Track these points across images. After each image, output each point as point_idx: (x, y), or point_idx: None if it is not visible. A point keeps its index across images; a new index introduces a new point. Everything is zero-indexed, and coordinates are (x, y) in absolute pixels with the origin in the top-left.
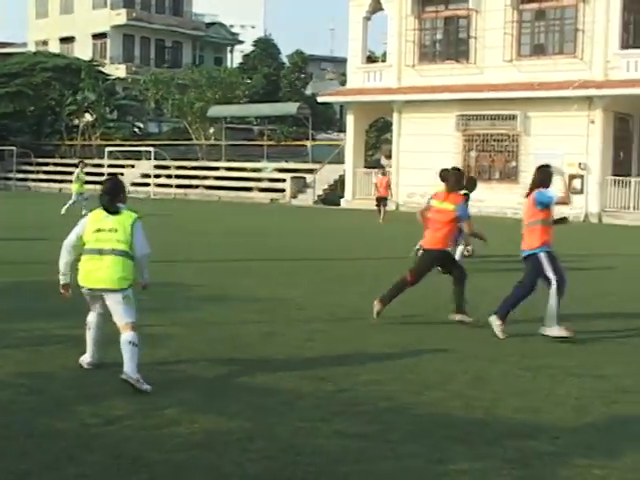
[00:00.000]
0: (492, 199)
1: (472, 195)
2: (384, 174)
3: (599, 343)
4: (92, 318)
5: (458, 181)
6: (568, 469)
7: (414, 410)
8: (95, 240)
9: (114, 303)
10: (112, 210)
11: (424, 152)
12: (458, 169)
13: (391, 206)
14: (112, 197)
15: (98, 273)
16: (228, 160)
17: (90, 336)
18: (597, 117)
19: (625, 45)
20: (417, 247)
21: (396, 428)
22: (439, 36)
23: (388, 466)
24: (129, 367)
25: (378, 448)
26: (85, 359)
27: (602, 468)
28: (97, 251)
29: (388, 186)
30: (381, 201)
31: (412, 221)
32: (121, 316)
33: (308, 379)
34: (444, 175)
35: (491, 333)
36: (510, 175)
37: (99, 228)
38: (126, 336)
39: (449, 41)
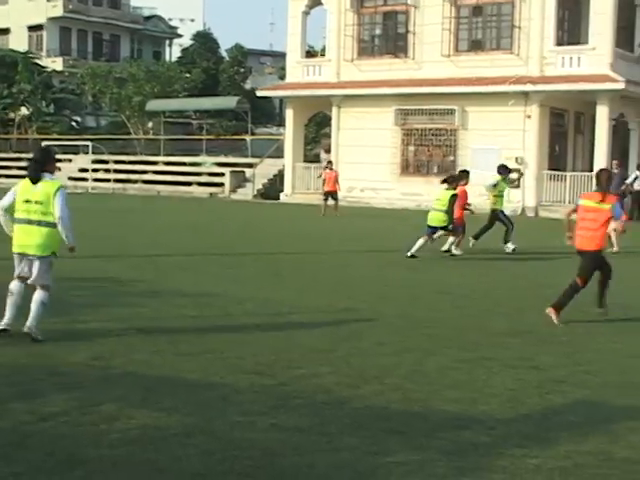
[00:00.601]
0: (430, 193)
1: (410, 190)
2: (332, 169)
3: (534, 335)
4: (15, 286)
5: (609, 180)
6: (503, 459)
7: (351, 403)
8: (24, 210)
9: (38, 266)
10: (35, 178)
11: (363, 146)
12: (605, 169)
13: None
14: (39, 165)
15: (28, 240)
16: (167, 154)
17: (11, 302)
18: (533, 112)
19: (560, 42)
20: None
21: (333, 421)
22: (378, 31)
23: (325, 459)
24: (33, 321)
25: (315, 441)
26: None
27: (536, 457)
28: (27, 221)
29: (336, 181)
30: (329, 195)
31: (354, 215)
32: (41, 277)
33: (246, 373)
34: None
35: (427, 325)
36: (448, 169)
37: (27, 199)
38: (39, 295)
39: (388, 36)
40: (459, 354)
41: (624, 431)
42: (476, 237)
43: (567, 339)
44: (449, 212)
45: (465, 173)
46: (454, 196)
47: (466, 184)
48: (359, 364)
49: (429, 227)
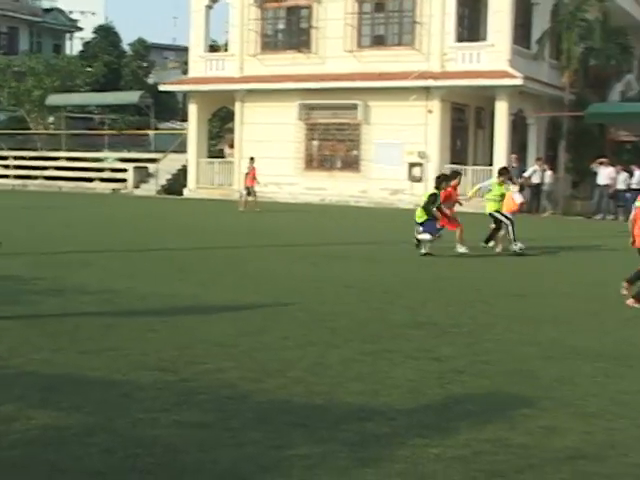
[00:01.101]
0: (334, 187)
1: (314, 184)
2: (252, 164)
3: (436, 327)
4: None
5: None
6: (405, 449)
7: (255, 397)
8: None
9: None
10: None
11: (267, 141)
12: None
13: (234, 195)
14: None
15: None
16: (68, 150)
17: None
18: (435, 107)
19: (461, 38)
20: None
21: (237, 416)
22: (281, 26)
23: (228, 454)
24: None
25: (218, 436)
26: None
27: (437, 446)
28: None
29: (254, 176)
30: (249, 190)
31: (268, 211)
32: None
33: (149, 370)
34: None
35: (331, 319)
36: (352, 164)
37: None
38: None
39: (291, 31)
40: (362, 347)
41: (520, 418)
42: (486, 241)
43: (467, 330)
44: (425, 209)
45: (455, 174)
46: (432, 195)
47: (456, 186)
48: (263, 358)
49: (416, 223)
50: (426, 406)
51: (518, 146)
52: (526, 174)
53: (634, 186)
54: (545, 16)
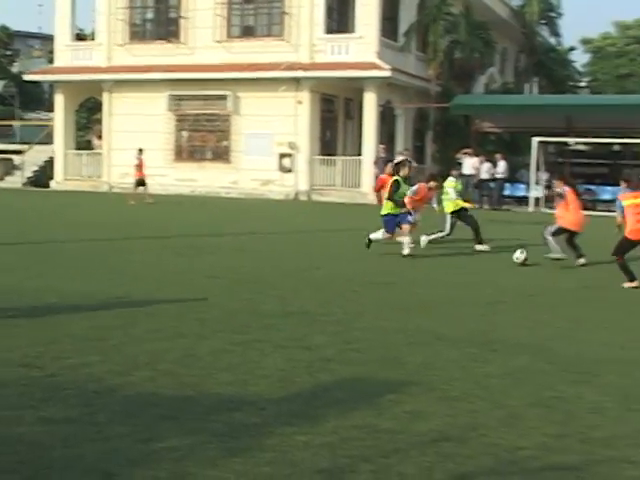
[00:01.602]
0: (204, 179)
1: (184, 176)
2: (141, 155)
3: (306, 316)
4: None
5: None
6: (274, 438)
7: (122, 391)
8: None
9: None
10: None
11: (136, 132)
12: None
13: (103, 187)
14: None
15: None
16: None
17: None
18: (304, 98)
19: (330, 30)
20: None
21: (104, 410)
22: (150, 15)
23: (95, 449)
24: None
25: (85, 431)
26: None
27: (306, 434)
28: None
29: (142, 167)
30: (139, 182)
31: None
32: None
33: (13, 366)
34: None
35: (201, 310)
36: (222, 155)
37: None
38: None
39: (160, 20)
40: (232, 337)
41: (388, 404)
42: (480, 242)
43: (337, 319)
44: (391, 200)
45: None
46: (393, 183)
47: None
48: (131, 351)
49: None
50: (295, 395)
51: (386, 137)
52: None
53: (498, 176)
54: (412, 10)
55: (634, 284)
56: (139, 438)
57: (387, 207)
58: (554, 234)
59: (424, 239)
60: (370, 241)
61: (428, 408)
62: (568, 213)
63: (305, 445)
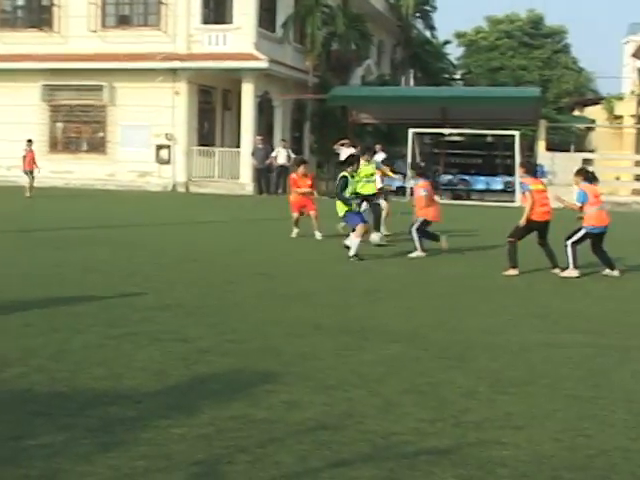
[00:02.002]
0: (80, 171)
1: (59, 168)
2: (30, 147)
3: (182, 308)
4: None
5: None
6: (149, 431)
7: None
8: None
9: None
10: None
11: (8, 124)
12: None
13: None
14: None
15: None
16: None
17: None
18: (182, 89)
19: (207, 20)
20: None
21: None
22: (21, 2)
23: None
24: None
25: None
26: None
27: (181, 427)
28: None
29: (32, 160)
30: (28, 173)
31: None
32: None
33: None
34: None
35: (74, 304)
36: (98, 146)
37: None
38: None
39: (31, 8)
40: (106, 331)
41: (264, 394)
42: (377, 228)
43: (213, 310)
44: (339, 198)
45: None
46: (341, 179)
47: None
48: (2, 347)
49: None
50: (172, 387)
51: (265, 128)
52: (272, 154)
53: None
54: (289, 1)
55: (514, 272)
56: (10, 435)
57: (341, 206)
58: (420, 228)
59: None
60: (353, 255)
61: (304, 397)
62: (428, 205)
63: (181, 437)
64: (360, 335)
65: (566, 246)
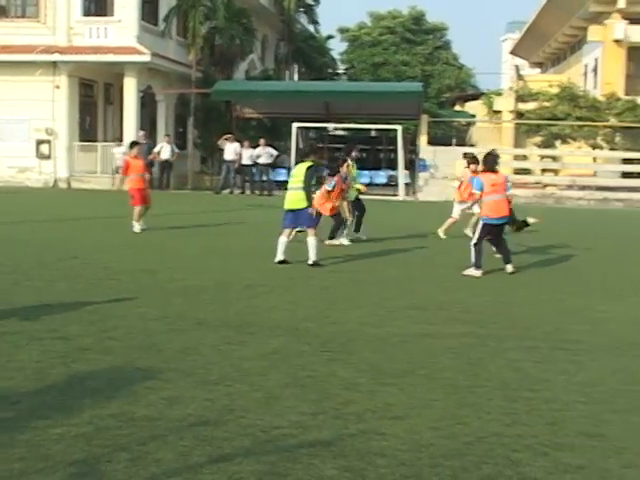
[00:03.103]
0: None
1: None
2: None
3: (63, 307)
4: None
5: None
6: (26, 432)
7: None
8: None
9: None
10: None
11: None
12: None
13: None
14: None
15: None
16: None
17: None
18: (62, 83)
19: (88, 12)
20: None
21: None
22: None
23: None
24: None
25: None
26: None
27: (60, 427)
28: None
29: None
30: None
31: None
32: None
33: None
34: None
35: None
36: None
37: None
38: None
39: None
40: None
41: (144, 391)
42: (357, 230)
43: (94, 308)
44: (304, 188)
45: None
46: (310, 167)
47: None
48: None
49: (290, 211)
50: (51, 387)
51: (148, 122)
52: (155, 150)
53: (261, 161)
54: None
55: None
56: None
57: (301, 200)
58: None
59: (343, 241)
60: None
61: (186, 393)
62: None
63: (60, 437)
64: (243, 330)
65: (470, 246)
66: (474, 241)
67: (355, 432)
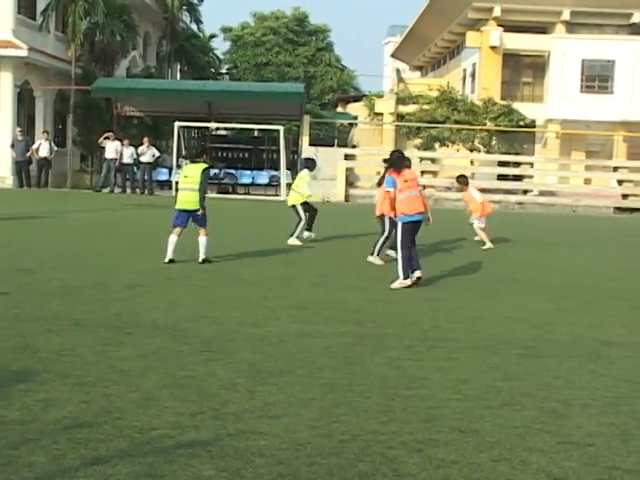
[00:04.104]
0: None
1: None
2: None
3: None
4: None
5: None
6: None
7: None
8: None
9: None
10: None
11: None
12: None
13: None
14: None
15: None
16: None
17: None
18: None
19: None
20: None
21: None
22: None
23: None
24: None
25: None
26: None
27: None
28: None
29: None
30: None
31: None
32: None
33: None
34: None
35: None
36: None
37: None
38: None
39: None
40: None
41: (18, 393)
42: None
43: None
44: (203, 192)
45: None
46: (205, 170)
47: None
48: None
49: (184, 211)
50: None
51: (26, 119)
52: (34, 147)
53: (144, 160)
54: None
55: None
56: None
57: (195, 200)
58: None
59: (292, 241)
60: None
61: (61, 395)
62: None
63: None
64: (121, 330)
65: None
66: (400, 251)
67: (233, 432)
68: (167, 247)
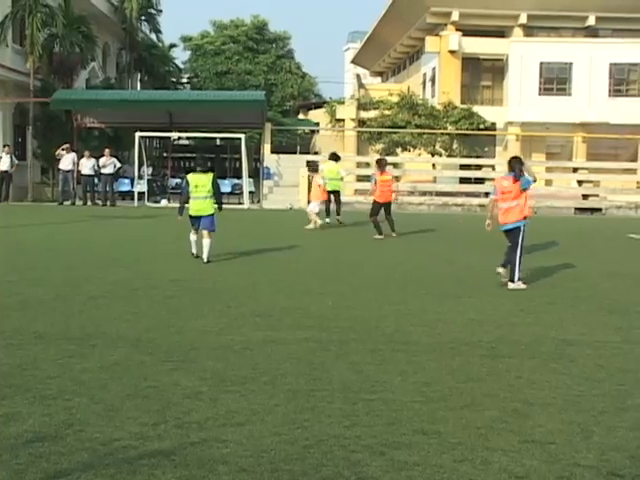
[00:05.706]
0: None
1: None
2: None
3: None
4: None
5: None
6: None
7: None
8: None
9: None
10: None
11: None
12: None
13: None
14: None
15: None
16: None
17: None
18: None
19: None
20: None
21: None
22: None
23: None
24: None
25: None
26: None
27: None
28: None
29: None
30: None
31: None
32: None
33: None
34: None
35: None
36: None
37: None
38: None
39: None
40: None
41: None
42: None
43: None
44: (217, 194)
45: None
46: (215, 178)
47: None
48: None
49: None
50: None
51: None
52: None
53: (106, 171)
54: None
55: (380, 237)
56: None
57: (209, 207)
58: None
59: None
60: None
61: (23, 409)
62: None
63: None
64: (84, 342)
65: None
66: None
67: (197, 440)
68: (190, 244)
